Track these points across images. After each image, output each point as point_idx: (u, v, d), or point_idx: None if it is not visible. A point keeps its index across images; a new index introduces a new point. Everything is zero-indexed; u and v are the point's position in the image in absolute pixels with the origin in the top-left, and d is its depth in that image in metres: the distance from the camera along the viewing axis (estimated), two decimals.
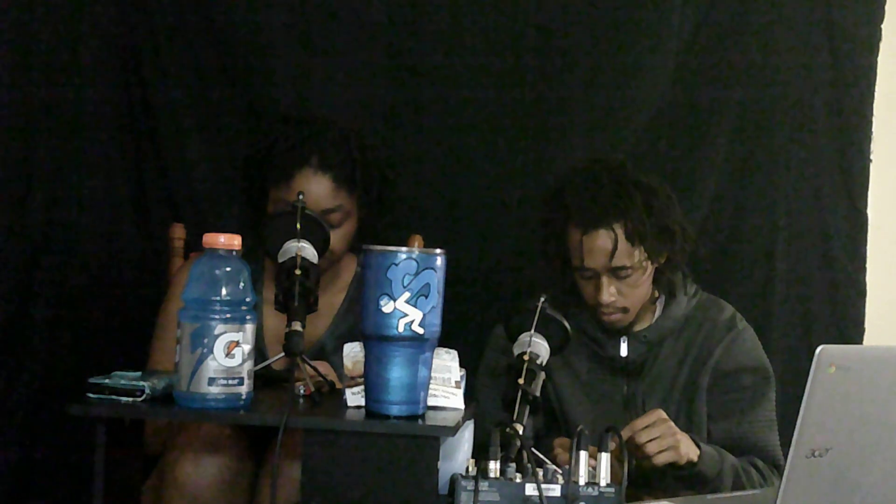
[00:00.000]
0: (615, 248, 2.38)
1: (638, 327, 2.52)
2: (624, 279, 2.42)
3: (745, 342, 2.53)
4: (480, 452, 1.83)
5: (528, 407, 1.93)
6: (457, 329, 2.46)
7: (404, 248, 1.78)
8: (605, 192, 2.40)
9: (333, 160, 2.39)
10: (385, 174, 2.48)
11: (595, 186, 2.41)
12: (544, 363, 2.05)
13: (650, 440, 2.23)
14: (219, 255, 1.82)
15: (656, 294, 2.51)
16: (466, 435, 2.02)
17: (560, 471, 1.82)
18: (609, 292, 2.41)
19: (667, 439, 2.25)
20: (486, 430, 1.87)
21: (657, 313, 2.53)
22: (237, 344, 1.79)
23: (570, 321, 2.14)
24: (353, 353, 1.93)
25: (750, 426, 2.47)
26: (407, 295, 1.75)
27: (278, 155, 2.40)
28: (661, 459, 2.25)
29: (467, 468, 1.81)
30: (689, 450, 2.28)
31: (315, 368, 2.04)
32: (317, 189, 2.37)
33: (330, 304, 2.50)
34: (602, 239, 2.39)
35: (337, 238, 2.36)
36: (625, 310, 2.45)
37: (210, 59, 2.96)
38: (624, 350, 2.51)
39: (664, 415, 2.28)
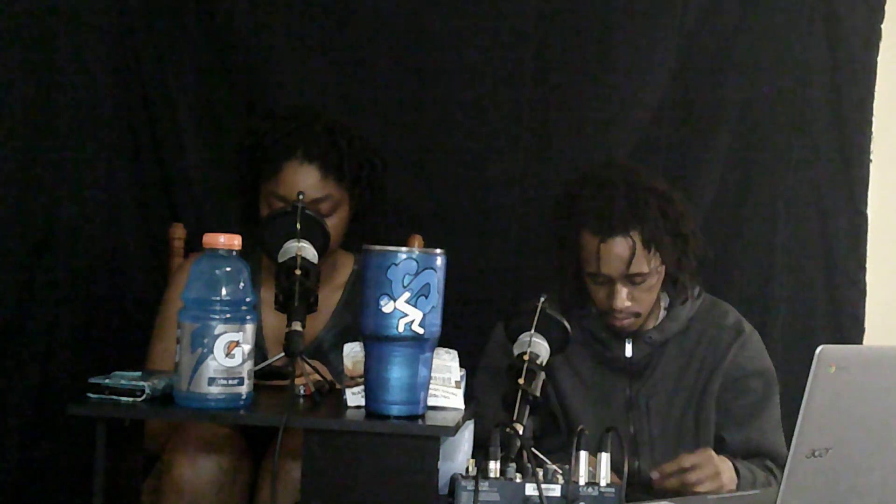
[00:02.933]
0: (633, 255, 2.37)
1: (643, 328, 2.51)
2: (638, 285, 2.41)
3: (753, 347, 2.52)
4: (480, 452, 1.83)
5: (528, 407, 1.93)
6: (457, 329, 2.46)
7: (404, 248, 1.77)
8: (621, 199, 2.39)
9: (319, 150, 2.40)
10: (373, 162, 2.49)
11: (611, 193, 2.40)
12: (544, 363, 2.05)
13: (696, 480, 2.26)
14: (219, 255, 1.82)
15: (665, 296, 2.51)
16: (466, 435, 2.01)
17: (560, 471, 1.82)
18: (623, 298, 2.41)
19: (712, 482, 2.26)
20: (486, 430, 1.87)
21: (661, 315, 2.53)
22: (237, 344, 1.79)
23: (575, 322, 2.13)
24: (353, 352, 1.92)
25: (761, 431, 2.47)
26: (407, 295, 1.75)
27: (265, 150, 2.41)
28: (701, 489, 2.26)
29: (467, 468, 1.81)
30: (728, 483, 2.28)
31: (315, 368, 2.04)
32: (304, 180, 2.38)
33: (326, 301, 2.49)
34: (620, 246, 2.38)
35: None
36: (637, 314, 2.45)
37: (210, 59, 2.96)
38: (629, 351, 2.51)
39: (713, 454, 2.29)
